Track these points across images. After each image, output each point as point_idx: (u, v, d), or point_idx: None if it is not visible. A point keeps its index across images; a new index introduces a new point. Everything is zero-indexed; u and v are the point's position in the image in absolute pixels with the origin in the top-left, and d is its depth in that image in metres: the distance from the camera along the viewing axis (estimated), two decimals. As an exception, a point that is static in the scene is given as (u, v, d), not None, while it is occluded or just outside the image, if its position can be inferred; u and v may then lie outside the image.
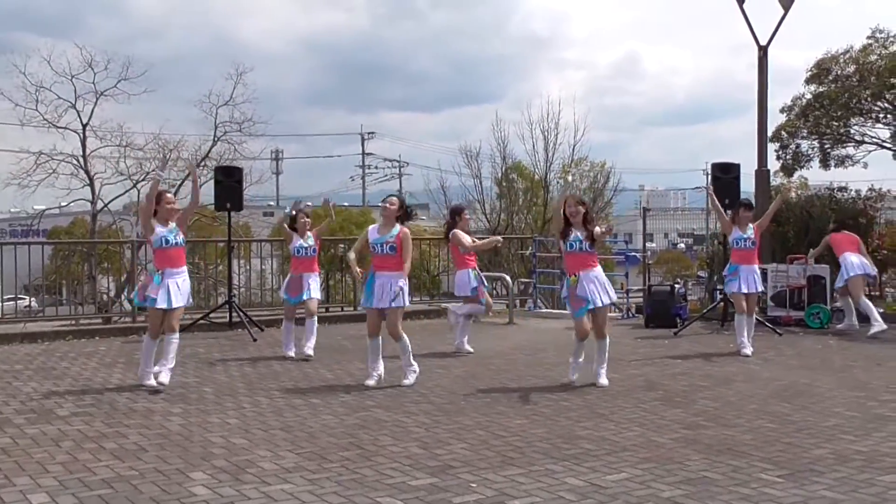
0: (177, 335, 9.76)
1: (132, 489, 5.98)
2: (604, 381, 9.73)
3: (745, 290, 12.24)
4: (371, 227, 10.13)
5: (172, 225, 9.83)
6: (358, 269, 10.20)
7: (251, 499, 5.77)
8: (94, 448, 7.10)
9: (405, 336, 9.84)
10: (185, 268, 9.98)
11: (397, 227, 9.83)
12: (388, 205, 9.96)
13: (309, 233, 12.11)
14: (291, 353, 11.80)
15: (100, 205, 31.14)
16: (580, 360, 9.89)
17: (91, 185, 31.15)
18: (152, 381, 9.54)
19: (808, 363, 11.33)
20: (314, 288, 12.02)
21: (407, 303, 9.95)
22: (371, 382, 9.75)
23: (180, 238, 9.87)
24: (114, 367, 11.08)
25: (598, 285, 9.66)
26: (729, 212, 13.35)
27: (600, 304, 9.67)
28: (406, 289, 9.82)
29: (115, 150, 31.84)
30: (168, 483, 6.12)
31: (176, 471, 6.43)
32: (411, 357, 9.97)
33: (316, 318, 12.05)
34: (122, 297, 25.12)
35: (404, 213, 9.98)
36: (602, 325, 9.81)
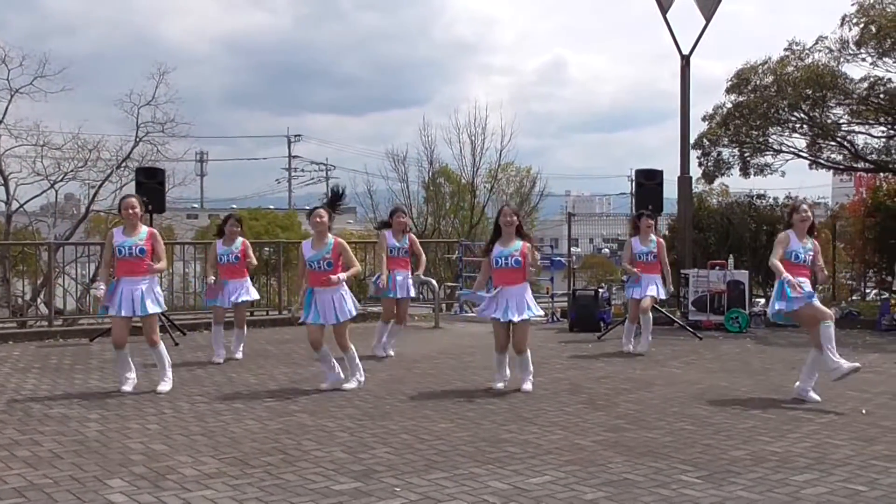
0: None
1: (46, 497, 5.83)
2: (528, 386, 9.69)
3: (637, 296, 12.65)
4: (304, 243, 9.89)
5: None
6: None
7: (171, 505, 5.67)
8: (5, 456, 6.89)
9: (352, 346, 9.75)
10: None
11: (330, 239, 9.65)
12: (317, 218, 9.66)
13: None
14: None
15: (15, 205, 30.40)
16: (505, 371, 9.91)
17: (6, 185, 30.34)
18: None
19: (727, 366, 11.49)
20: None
21: (354, 312, 9.73)
22: (351, 385, 9.74)
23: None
24: (28, 373, 10.83)
25: (521, 300, 9.57)
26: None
27: (516, 319, 9.55)
28: (349, 297, 9.69)
29: (32, 149, 31.04)
30: (84, 491, 5.97)
31: (93, 478, 6.28)
32: (358, 364, 9.87)
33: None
34: (39, 300, 24.60)
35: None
36: (522, 341, 9.68)
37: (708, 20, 17.35)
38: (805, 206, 9.64)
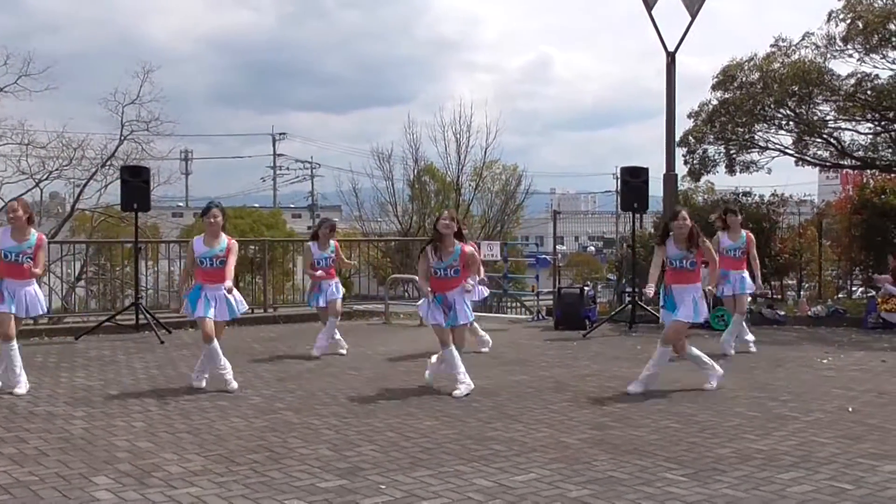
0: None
1: (31, 495, 5.85)
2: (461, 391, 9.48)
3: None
4: (196, 238, 9.95)
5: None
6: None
7: (156, 503, 5.69)
8: (-7, 453, 6.93)
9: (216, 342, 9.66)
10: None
11: (224, 238, 9.72)
12: (211, 219, 9.69)
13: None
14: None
15: (0, 204, 30.34)
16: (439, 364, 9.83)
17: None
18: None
19: (713, 364, 11.53)
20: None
21: (242, 310, 9.86)
22: (202, 384, 9.67)
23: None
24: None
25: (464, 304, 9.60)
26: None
27: (461, 323, 9.60)
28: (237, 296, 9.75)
29: (17, 148, 31.02)
30: (69, 488, 6.00)
31: (78, 475, 6.30)
32: (220, 362, 9.72)
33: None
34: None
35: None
36: (460, 339, 9.73)
37: (693, 17, 17.38)
38: (684, 214, 9.68)
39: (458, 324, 9.58)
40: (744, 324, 12.66)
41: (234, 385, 9.58)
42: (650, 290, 9.74)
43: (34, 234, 9.53)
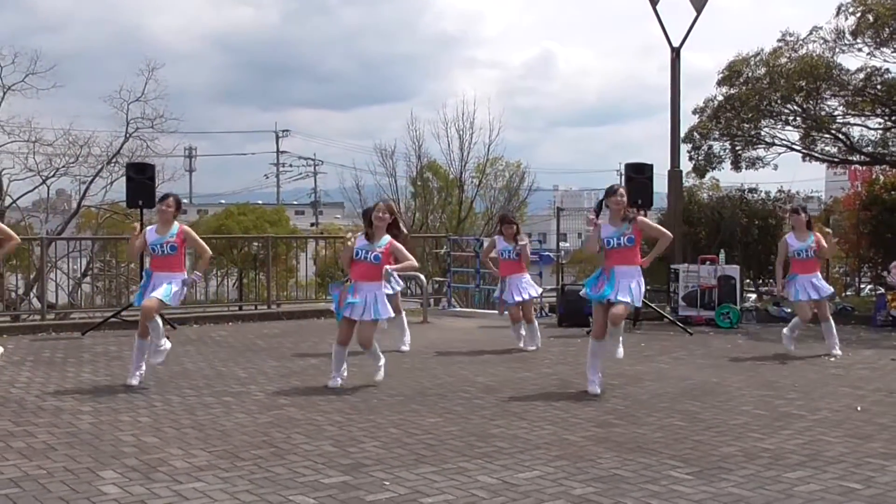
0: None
1: (40, 488, 5.89)
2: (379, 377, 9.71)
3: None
4: (149, 228, 10.05)
5: None
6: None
7: (162, 497, 5.73)
8: (0, 447, 6.96)
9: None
10: None
11: (176, 225, 9.80)
12: (164, 206, 9.80)
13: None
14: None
15: (8, 201, 30.45)
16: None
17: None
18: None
19: (718, 362, 11.55)
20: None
21: (176, 301, 9.85)
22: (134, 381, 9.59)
23: None
24: (22, 366, 10.87)
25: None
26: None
27: (368, 319, 9.54)
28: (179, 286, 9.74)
29: (24, 145, 31.15)
30: (77, 482, 6.04)
31: (86, 469, 6.35)
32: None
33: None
34: (32, 294, 24.62)
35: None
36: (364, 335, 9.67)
37: (699, 11, 17.36)
38: (622, 191, 9.53)
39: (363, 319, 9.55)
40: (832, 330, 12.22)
41: (160, 360, 9.65)
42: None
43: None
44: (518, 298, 12.25)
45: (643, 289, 9.47)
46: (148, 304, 9.47)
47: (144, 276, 9.94)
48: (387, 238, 9.63)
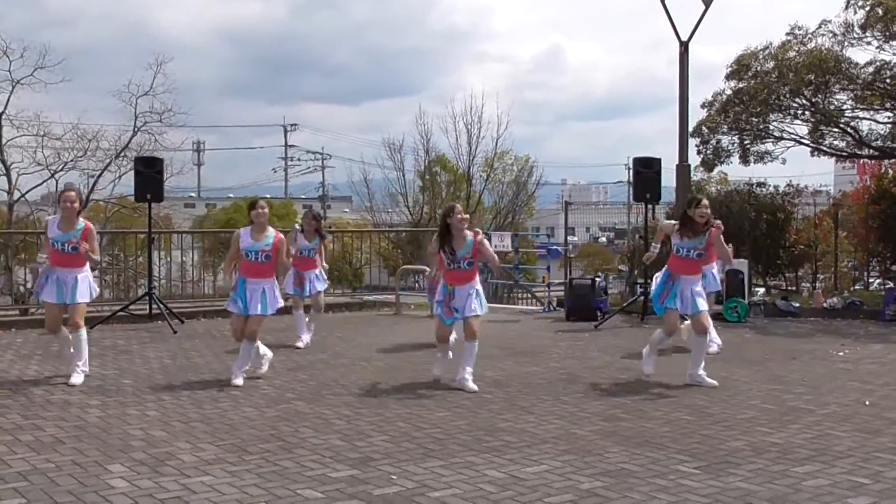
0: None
1: (49, 482, 5.91)
2: (472, 385, 9.30)
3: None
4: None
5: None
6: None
7: (170, 491, 5.74)
8: (9, 440, 6.98)
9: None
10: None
11: (81, 222, 9.56)
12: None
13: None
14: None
15: (17, 195, 30.55)
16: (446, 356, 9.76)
17: (7, 174, 30.57)
18: None
19: (725, 356, 11.52)
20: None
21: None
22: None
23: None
24: (31, 360, 10.90)
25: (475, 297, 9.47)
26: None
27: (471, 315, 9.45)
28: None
29: (33, 139, 31.29)
30: (86, 475, 6.06)
31: (94, 463, 6.36)
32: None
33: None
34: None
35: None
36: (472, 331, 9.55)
37: (707, 5, 17.33)
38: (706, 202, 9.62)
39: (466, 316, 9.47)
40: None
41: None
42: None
43: (81, 223, 9.52)
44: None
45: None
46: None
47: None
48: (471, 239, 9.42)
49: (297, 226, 12.68)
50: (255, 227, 9.67)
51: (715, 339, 11.46)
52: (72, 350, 9.55)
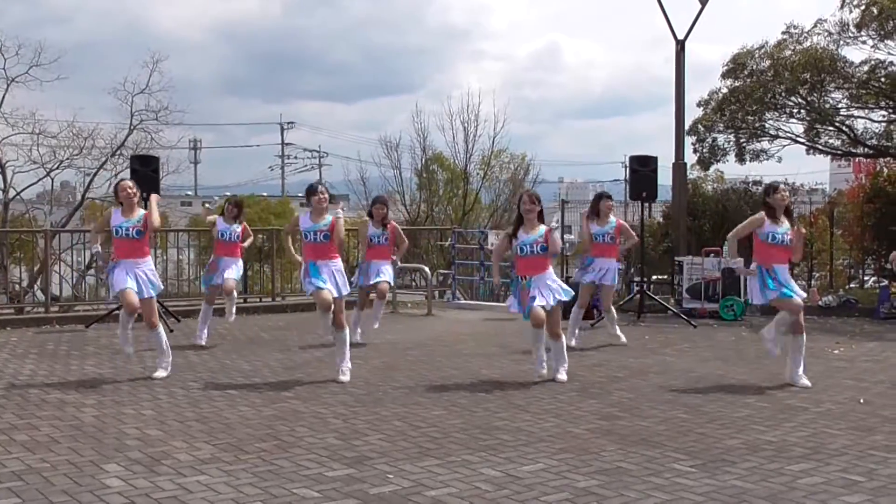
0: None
1: (44, 481, 5.90)
2: (562, 376, 9.59)
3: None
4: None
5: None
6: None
7: (166, 490, 5.73)
8: (3, 440, 6.97)
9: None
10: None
11: (141, 211, 9.73)
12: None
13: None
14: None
15: (12, 193, 30.49)
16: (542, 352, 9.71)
17: (2, 172, 30.48)
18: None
19: (722, 355, 11.55)
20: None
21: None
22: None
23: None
24: (26, 359, 10.89)
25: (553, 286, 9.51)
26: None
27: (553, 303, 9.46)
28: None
29: (28, 137, 31.19)
30: (81, 475, 6.04)
31: (89, 463, 6.35)
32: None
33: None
34: (36, 286, 24.67)
35: None
36: (555, 325, 9.59)
37: (704, 4, 17.37)
38: (783, 186, 9.64)
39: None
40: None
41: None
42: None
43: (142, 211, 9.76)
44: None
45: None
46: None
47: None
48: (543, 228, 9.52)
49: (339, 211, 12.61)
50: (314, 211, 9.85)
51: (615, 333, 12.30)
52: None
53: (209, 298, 12.37)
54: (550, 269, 9.71)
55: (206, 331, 12.16)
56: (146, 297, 9.55)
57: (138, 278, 9.50)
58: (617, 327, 12.43)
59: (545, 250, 9.49)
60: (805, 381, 9.36)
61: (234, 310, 12.66)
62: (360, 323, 12.33)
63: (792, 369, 9.51)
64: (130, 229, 9.58)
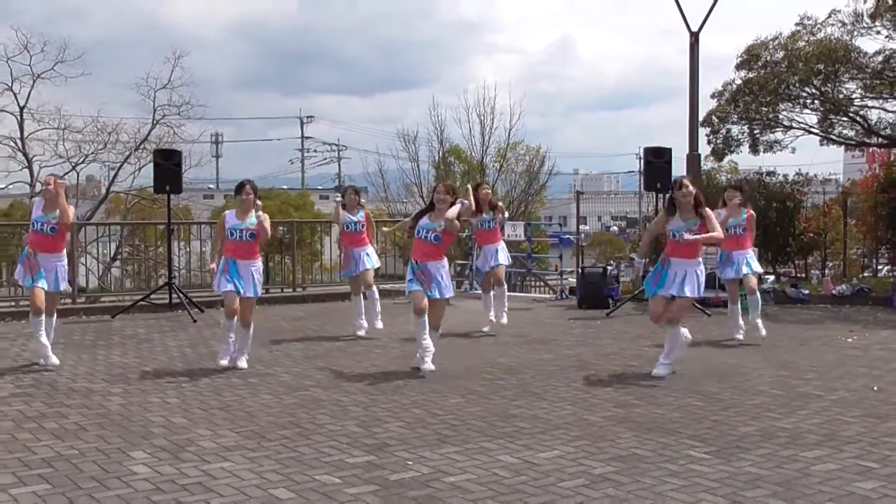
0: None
1: (72, 468, 5.95)
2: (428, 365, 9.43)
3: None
4: (227, 212, 10.06)
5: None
6: None
7: (191, 477, 5.77)
8: (33, 428, 7.03)
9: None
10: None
11: (253, 215, 9.65)
12: (245, 195, 9.74)
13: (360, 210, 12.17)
14: (361, 332, 12.01)
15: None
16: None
17: (29, 167, 30.72)
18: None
19: (736, 343, 11.50)
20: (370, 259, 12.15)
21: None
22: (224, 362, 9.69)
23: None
24: (53, 348, 10.89)
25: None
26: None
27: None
28: None
29: (54, 132, 31.43)
30: (108, 462, 6.10)
31: (116, 450, 6.40)
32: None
33: (374, 288, 12.17)
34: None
35: None
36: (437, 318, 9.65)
37: (717, -4, 17.26)
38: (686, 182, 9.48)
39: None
40: None
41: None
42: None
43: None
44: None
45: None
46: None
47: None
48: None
49: (339, 199, 12.54)
50: (241, 209, 9.74)
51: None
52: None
53: (355, 289, 12.20)
54: (445, 260, 9.72)
55: (363, 320, 12.08)
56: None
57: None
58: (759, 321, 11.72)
59: (438, 240, 9.54)
60: (661, 371, 9.21)
61: (378, 310, 12.22)
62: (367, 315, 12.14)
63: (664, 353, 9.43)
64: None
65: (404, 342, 11.51)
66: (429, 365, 9.37)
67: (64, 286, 9.98)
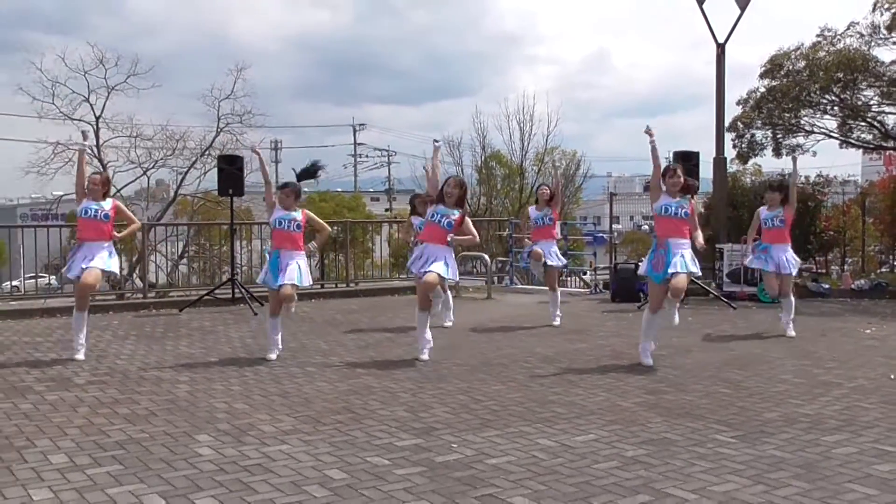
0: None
1: (143, 450, 6.00)
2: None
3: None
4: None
5: None
6: None
7: (252, 458, 5.79)
8: (108, 413, 7.10)
9: None
10: None
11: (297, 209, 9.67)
12: (284, 196, 9.63)
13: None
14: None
15: (112, 191, 31.14)
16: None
17: (104, 172, 31.11)
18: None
19: (760, 334, 11.39)
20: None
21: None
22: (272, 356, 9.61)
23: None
24: (126, 340, 11.06)
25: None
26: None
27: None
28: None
29: (126, 140, 31.83)
30: (176, 445, 6.14)
31: (183, 433, 6.44)
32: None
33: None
34: (135, 274, 25.05)
35: None
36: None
37: (743, 9, 17.11)
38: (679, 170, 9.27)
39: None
40: None
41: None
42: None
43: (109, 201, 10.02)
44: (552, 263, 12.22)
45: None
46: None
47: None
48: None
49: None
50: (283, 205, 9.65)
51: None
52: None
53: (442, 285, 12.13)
54: (450, 249, 9.65)
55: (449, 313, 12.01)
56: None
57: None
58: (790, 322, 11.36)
59: (450, 227, 9.46)
60: (648, 360, 9.15)
61: (450, 315, 12.11)
62: None
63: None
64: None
65: (449, 334, 11.51)
66: (425, 355, 9.45)
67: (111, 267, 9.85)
